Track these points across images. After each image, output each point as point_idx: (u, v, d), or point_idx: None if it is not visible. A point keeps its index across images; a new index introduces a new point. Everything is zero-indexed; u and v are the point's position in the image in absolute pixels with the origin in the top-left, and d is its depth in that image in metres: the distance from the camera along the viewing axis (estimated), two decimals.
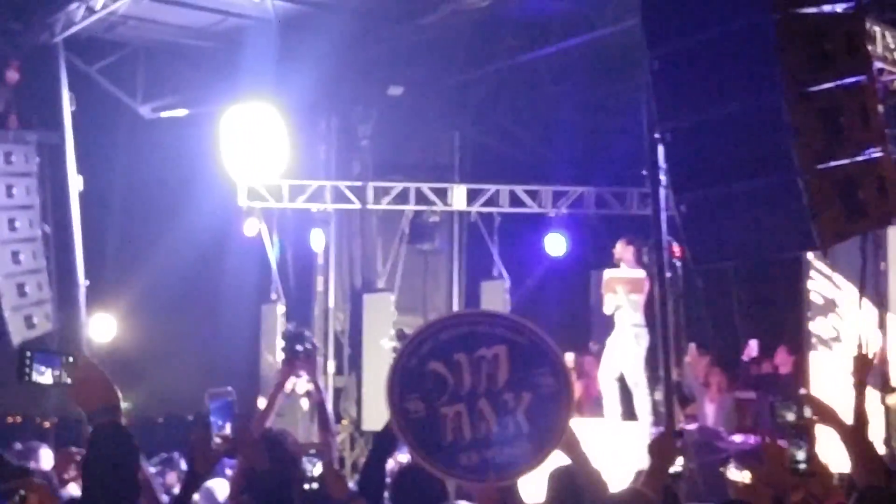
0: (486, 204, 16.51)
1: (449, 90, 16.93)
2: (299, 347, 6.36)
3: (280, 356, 15.36)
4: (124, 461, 3.49)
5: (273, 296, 15.95)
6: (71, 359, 3.47)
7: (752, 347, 14.79)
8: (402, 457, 6.23)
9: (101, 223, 15.59)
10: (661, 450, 5.12)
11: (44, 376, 3.45)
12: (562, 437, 5.67)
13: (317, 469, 5.43)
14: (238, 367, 15.28)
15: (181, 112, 15.99)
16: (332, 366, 16.41)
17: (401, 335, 15.53)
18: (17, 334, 14.43)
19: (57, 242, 15.28)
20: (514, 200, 16.54)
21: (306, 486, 5.40)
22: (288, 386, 6.91)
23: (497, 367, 5.83)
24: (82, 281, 14.94)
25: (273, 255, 15.95)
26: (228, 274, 15.81)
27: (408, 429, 5.75)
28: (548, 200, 16.55)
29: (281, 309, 15.84)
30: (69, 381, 3.47)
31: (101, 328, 15.39)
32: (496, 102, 17.44)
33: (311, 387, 7.30)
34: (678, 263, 13.11)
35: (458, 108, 17.49)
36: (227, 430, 5.05)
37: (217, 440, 5.03)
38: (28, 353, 3.46)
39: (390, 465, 6.40)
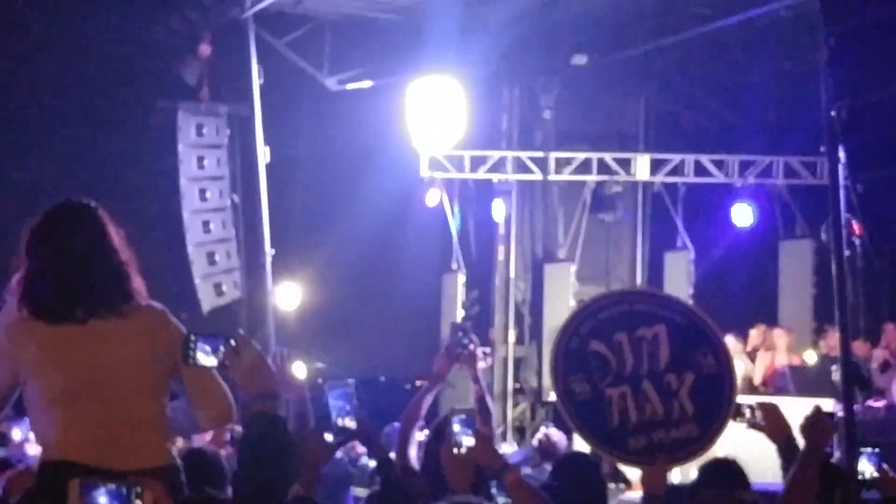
0: (670, 174, 16.27)
1: (634, 58, 16.64)
2: (465, 342, 6.29)
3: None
4: (278, 448, 3.56)
5: (454, 265, 16.07)
6: (234, 342, 3.53)
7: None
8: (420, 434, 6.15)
9: (287, 193, 15.93)
10: (814, 428, 4.93)
11: (208, 359, 3.52)
12: (727, 419, 5.58)
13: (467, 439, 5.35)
14: (418, 335, 15.46)
15: (366, 84, 16.20)
16: (512, 335, 16.46)
17: None
18: (207, 302, 14.92)
19: (245, 212, 15.72)
20: (700, 170, 16.26)
21: (455, 451, 5.32)
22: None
23: (658, 347, 5.82)
24: (269, 250, 15.31)
25: (454, 225, 16.05)
26: (410, 243, 15.96)
27: (574, 411, 5.78)
28: (735, 170, 16.19)
29: (462, 279, 15.95)
30: (230, 363, 3.54)
31: (287, 296, 15.78)
32: (682, 70, 17.09)
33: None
34: (857, 241, 12.65)
35: (643, 77, 17.19)
36: (347, 421, 5.09)
37: (336, 427, 5.08)
38: (192, 337, 3.54)
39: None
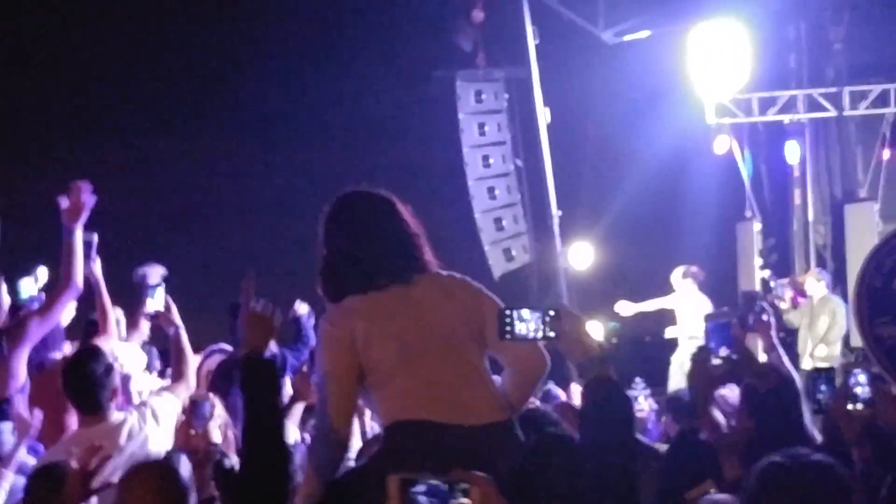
0: None
1: None
2: (758, 311, 5.97)
3: (760, 275, 15.02)
4: (618, 415, 3.48)
5: (748, 213, 15.52)
6: (553, 312, 3.44)
7: None
8: None
9: (571, 153, 15.77)
10: None
11: (528, 332, 3.47)
12: None
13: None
14: (714, 287, 14.97)
15: (644, 34, 15.77)
16: None
17: None
18: (498, 268, 14.96)
19: (529, 175, 15.66)
20: None
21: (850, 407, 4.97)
22: None
23: None
24: (555, 211, 15.22)
25: (746, 171, 15.48)
26: (699, 193, 15.51)
27: (883, 356, 5.43)
28: None
29: (757, 226, 15.39)
30: (552, 334, 3.45)
31: (578, 256, 15.61)
32: None
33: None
34: None
35: None
36: (724, 351, 4.88)
37: (715, 362, 4.89)
38: (507, 311, 3.48)
39: None
